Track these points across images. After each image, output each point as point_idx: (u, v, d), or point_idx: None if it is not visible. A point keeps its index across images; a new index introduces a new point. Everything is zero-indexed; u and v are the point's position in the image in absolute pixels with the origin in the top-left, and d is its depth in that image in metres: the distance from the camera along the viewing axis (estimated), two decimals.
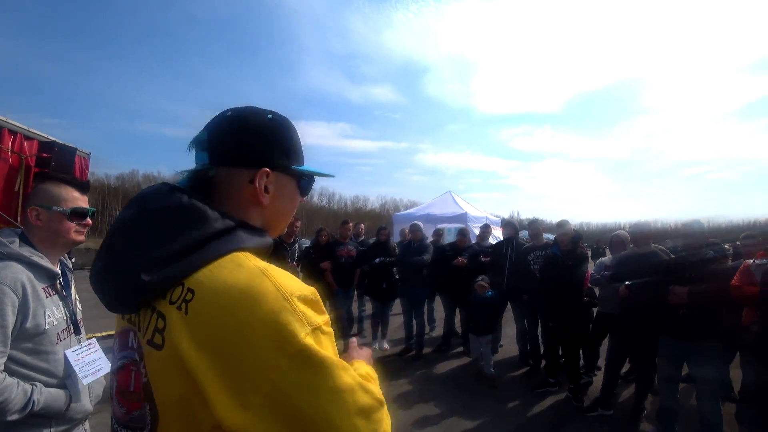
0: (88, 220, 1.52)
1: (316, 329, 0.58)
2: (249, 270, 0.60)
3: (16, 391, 1.22)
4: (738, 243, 4.31)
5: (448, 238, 7.74)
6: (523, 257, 5.16)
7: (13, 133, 3.12)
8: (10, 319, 1.23)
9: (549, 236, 5.65)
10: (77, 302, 1.56)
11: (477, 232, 7.08)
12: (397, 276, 5.79)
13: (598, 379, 4.37)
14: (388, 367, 5.15)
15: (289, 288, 0.59)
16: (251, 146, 0.72)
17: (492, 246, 6.16)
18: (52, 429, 1.35)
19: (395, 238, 7.56)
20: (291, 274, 0.64)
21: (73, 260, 1.83)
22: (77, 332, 1.49)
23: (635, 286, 3.56)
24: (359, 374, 0.64)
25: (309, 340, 0.56)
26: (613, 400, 4.01)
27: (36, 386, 1.29)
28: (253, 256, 0.65)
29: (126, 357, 0.66)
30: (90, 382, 1.44)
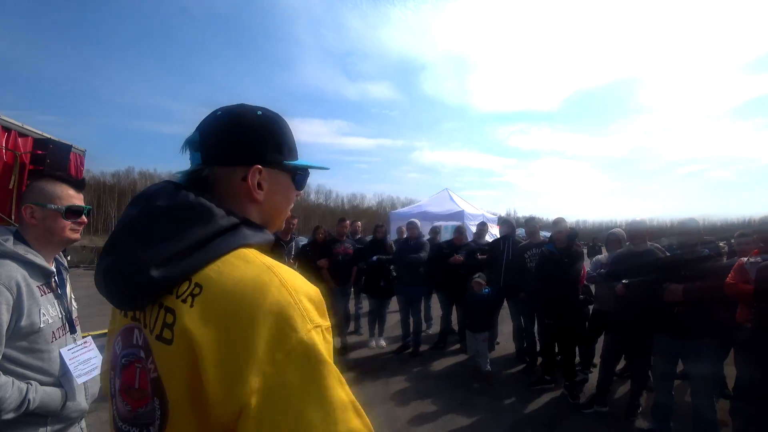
0: (84, 218, 1.51)
1: (317, 327, 0.59)
2: (256, 265, 0.62)
3: (11, 389, 1.21)
4: (733, 241, 4.34)
5: (445, 236, 7.75)
6: (520, 255, 5.18)
7: (7, 130, 3.10)
8: (5, 318, 1.23)
9: (546, 234, 5.66)
10: (72, 300, 1.55)
11: (474, 229, 7.09)
12: (395, 274, 5.80)
13: (594, 376, 4.39)
14: (385, 364, 5.17)
15: (294, 284, 0.60)
16: (242, 144, 0.72)
17: (489, 244, 6.18)
18: (48, 428, 1.34)
19: (392, 236, 7.57)
20: (297, 273, 0.65)
21: (69, 258, 1.83)
22: (72, 331, 1.49)
23: (632, 284, 3.58)
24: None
25: (309, 337, 0.56)
26: (608, 397, 4.04)
27: (31, 385, 1.28)
28: (259, 253, 0.66)
29: (130, 354, 0.66)
30: (85, 381, 1.44)
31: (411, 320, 5.71)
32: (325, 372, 0.56)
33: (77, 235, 1.50)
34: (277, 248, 4.90)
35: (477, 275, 4.96)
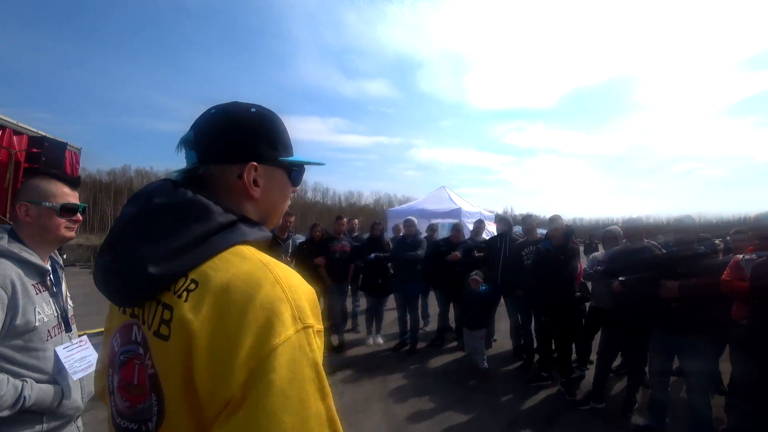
0: (79, 216, 1.50)
1: (309, 328, 0.58)
2: (252, 262, 0.62)
3: (6, 387, 1.21)
4: (728, 238, 4.37)
5: (442, 234, 7.78)
6: (517, 252, 5.19)
7: (2, 127, 3.09)
8: (0, 317, 1.22)
9: (543, 231, 5.68)
10: (68, 299, 1.55)
11: (471, 227, 7.10)
12: (392, 271, 5.81)
13: (591, 372, 4.41)
14: (382, 362, 5.18)
15: (289, 282, 0.60)
16: (236, 141, 0.73)
17: (486, 241, 6.20)
18: (44, 425, 1.34)
19: (389, 234, 7.57)
20: (294, 271, 0.65)
21: (64, 257, 1.82)
22: (68, 329, 1.48)
23: (629, 281, 3.60)
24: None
25: (298, 337, 0.56)
26: (605, 394, 4.06)
27: (27, 382, 1.28)
28: (256, 250, 0.67)
29: (129, 351, 0.67)
30: (81, 378, 1.43)
31: (408, 318, 5.71)
32: (309, 376, 0.55)
33: (72, 234, 1.49)
34: (274, 246, 4.89)
35: (474, 273, 4.96)
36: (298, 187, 0.84)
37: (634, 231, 3.94)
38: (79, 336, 1.55)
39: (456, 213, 11.68)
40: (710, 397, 3.19)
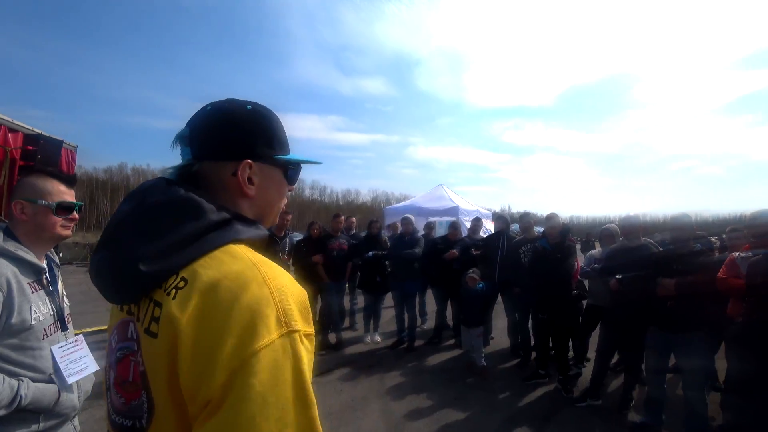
0: (75, 215, 1.49)
1: (294, 332, 0.56)
2: (243, 261, 0.61)
3: (2, 386, 1.20)
4: (724, 236, 4.39)
5: (440, 232, 7.77)
6: (514, 250, 5.21)
7: None
8: None
9: (540, 229, 5.69)
10: (64, 297, 1.54)
11: (468, 225, 7.11)
12: (390, 269, 5.81)
13: (588, 370, 4.44)
14: (380, 359, 5.19)
15: (278, 283, 0.59)
16: (232, 139, 0.72)
17: (483, 239, 6.20)
18: (41, 424, 1.33)
19: (386, 232, 7.57)
20: (286, 272, 0.64)
21: (61, 255, 1.81)
22: (64, 328, 1.47)
23: (626, 279, 3.61)
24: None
25: (282, 341, 0.54)
26: (601, 391, 4.08)
27: (23, 381, 1.27)
28: (249, 249, 0.66)
29: (125, 348, 0.67)
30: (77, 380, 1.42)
31: (406, 315, 5.72)
32: (291, 383, 0.53)
33: (68, 232, 1.48)
34: (271, 244, 4.87)
35: (471, 270, 4.98)
36: (294, 186, 0.83)
37: (631, 229, 3.95)
38: (75, 335, 1.55)
39: (453, 211, 11.68)
40: (706, 393, 3.21)
